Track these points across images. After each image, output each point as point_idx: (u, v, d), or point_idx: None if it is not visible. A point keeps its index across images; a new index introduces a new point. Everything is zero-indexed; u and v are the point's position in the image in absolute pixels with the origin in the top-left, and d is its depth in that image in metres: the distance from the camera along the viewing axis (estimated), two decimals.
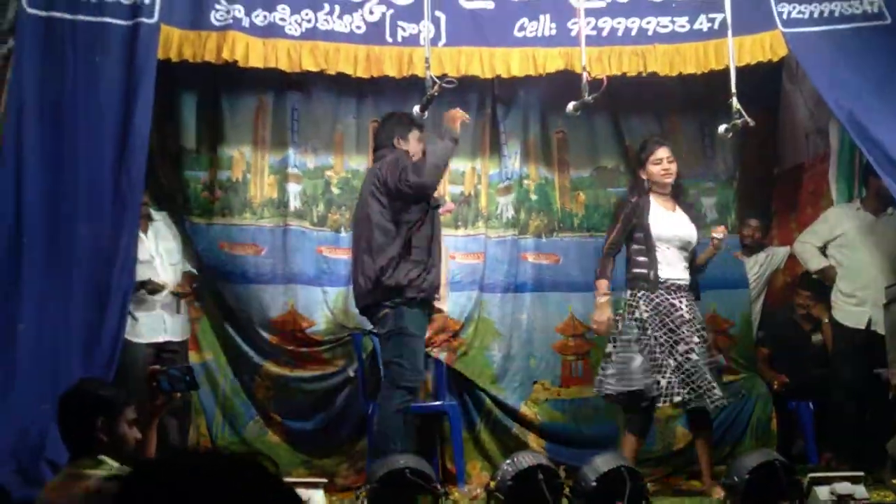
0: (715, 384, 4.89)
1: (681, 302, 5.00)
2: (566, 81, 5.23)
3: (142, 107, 4.93)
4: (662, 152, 5.15)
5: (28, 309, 4.70)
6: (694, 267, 5.18)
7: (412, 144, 5.03)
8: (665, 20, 5.49)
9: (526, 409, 5.93)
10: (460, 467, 5.47)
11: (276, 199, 5.89)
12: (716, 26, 5.43)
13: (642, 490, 4.32)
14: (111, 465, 2.96)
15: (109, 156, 4.89)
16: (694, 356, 4.89)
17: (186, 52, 5.12)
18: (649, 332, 4.93)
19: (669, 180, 5.16)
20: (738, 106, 4.87)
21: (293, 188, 5.89)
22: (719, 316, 6.17)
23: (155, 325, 5.34)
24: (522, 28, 5.44)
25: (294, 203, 5.89)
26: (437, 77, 4.72)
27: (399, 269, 4.81)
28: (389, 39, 5.38)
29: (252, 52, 5.20)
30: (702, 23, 5.50)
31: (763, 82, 5.96)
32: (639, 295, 5.01)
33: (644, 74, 5.52)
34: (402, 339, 4.85)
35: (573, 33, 5.32)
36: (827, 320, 6.06)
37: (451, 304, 5.88)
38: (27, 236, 4.75)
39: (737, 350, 6.19)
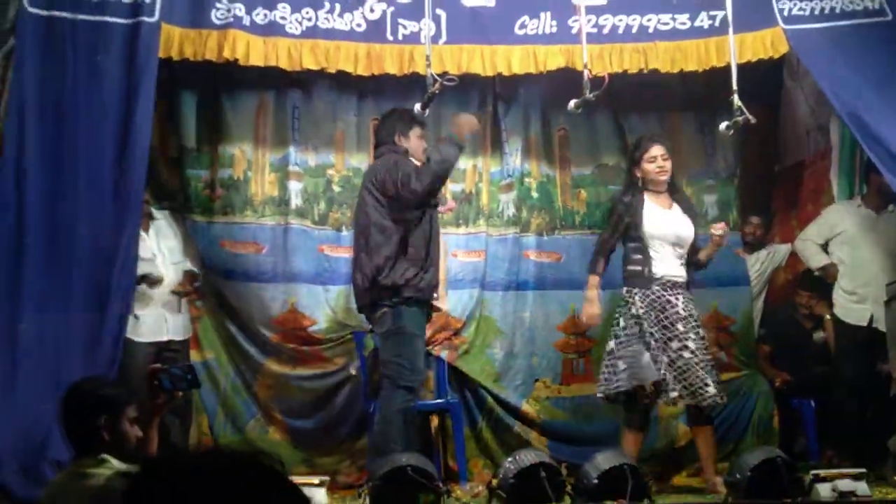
0: (709, 382, 4.86)
1: (677, 299, 4.98)
2: (567, 79, 5.22)
3: (143, 106, 4.93)
4: (657, 150, 5.14)
5: (29, 309, 4.69)
6: (695, 264, 5.17)
7: (413, 141, 5.02)
8: (666, 17, 5.49)
9: (528, 407, 5.93)
10: (462, 465, 5.46)
11: (277, 198, 5.88)
12: (717, 23, 5.42)
13: (644, 487, 4.32)
14: (114, 463, 2.96)
15: (110, 155, 4.89)
16: (687, 353, 4.87)
17: (187, 50, 5.11)
18: (645, 326, 4.94)
19: (664, 178, 5.14)
20: (739, 103, 4.86)
21: (294, 186, 5.89)
22: (721, 313, 6.17)
23: (156, 323, 5.34)
24: (523, 25, 5.43)
25: (295, 201, 5.88)
26: (438, 75, 4.71)
27: (395, 269, 4.80)
28: (390, 37, 5.37)
29: (253, 51, 5.19)
30: (703, 20, 5.49)
31: (764, 79, 5.95)
32: (634, 291, 5.01)
33: (645, 72, 5.51)
34: (401, 338, 4.84)
35: (574, 31, 5.31)
36: (829, 317, 6.06)
37: (452, 302, 5.88)
38: (28, 236, 4.74)
39: (738, 347, 6.19)
